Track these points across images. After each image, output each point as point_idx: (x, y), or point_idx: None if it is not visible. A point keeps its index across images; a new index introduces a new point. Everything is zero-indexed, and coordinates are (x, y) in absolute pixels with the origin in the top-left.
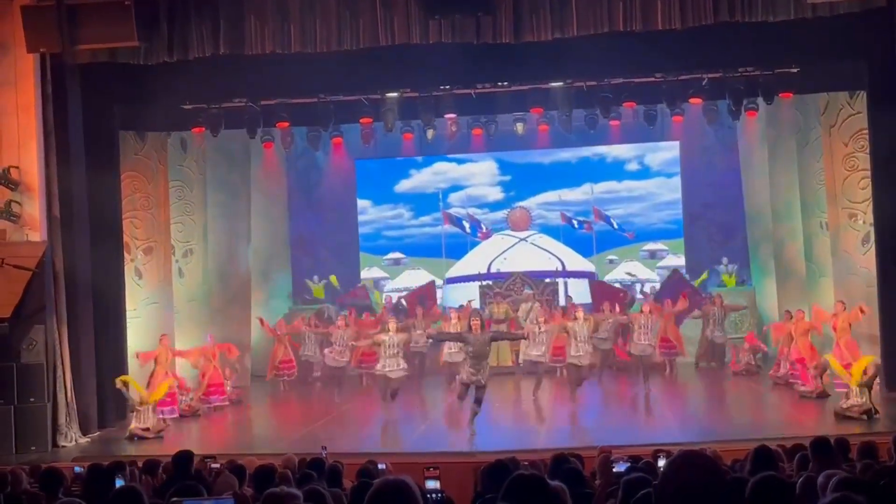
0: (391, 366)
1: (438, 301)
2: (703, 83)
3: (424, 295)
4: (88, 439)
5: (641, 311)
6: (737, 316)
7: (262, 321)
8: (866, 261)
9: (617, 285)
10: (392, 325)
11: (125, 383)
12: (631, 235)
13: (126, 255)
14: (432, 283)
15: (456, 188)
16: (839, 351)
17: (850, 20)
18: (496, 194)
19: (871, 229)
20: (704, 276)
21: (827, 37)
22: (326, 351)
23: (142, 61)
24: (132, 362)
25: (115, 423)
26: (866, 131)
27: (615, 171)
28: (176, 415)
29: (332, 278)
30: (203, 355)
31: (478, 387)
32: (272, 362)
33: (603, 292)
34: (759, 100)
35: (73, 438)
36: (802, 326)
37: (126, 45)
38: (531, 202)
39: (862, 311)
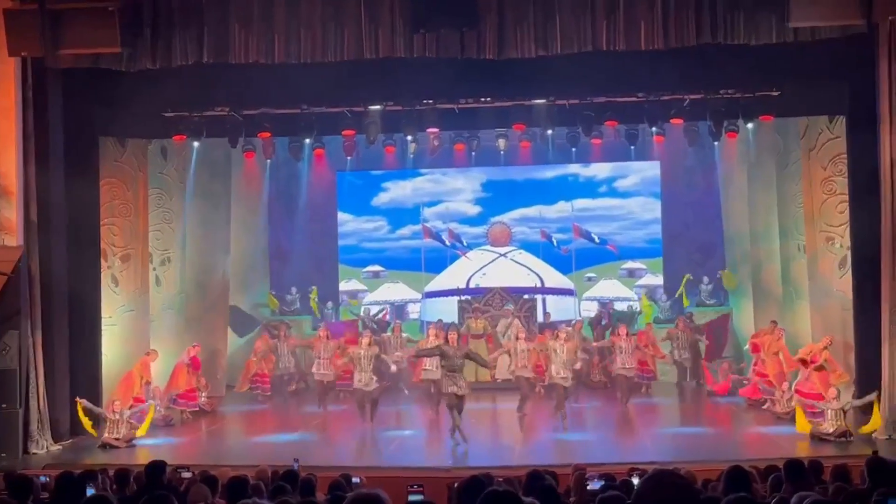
0: (366, 379)
1: (416, 315)
2: (685, 104)
3: None
4: (60, 447)
5: (618, 334)
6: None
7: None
8: (843, 284)
9: (594, 305)
10: (365, 340)
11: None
12: (614, 248)
13: (103, 261)
14: None
15: (437, 202)
16: (810, 383)
17: (831, 45)
18: (477, 209)
19: (849, 253)
20: (682, 285)
21: (808, 61)
22: (314, 367)
23: (124, 67)
24: (106, 370)
25: (87, 431)
26: (845, 156)
27: (595, 189)
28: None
29: (313, 295)
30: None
31: (457, 396)
32: (246, 374)
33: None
34: (740, 122)
35: (44, 446)
36: (774, 346)
37: (109, 51)
38: (511, 218)
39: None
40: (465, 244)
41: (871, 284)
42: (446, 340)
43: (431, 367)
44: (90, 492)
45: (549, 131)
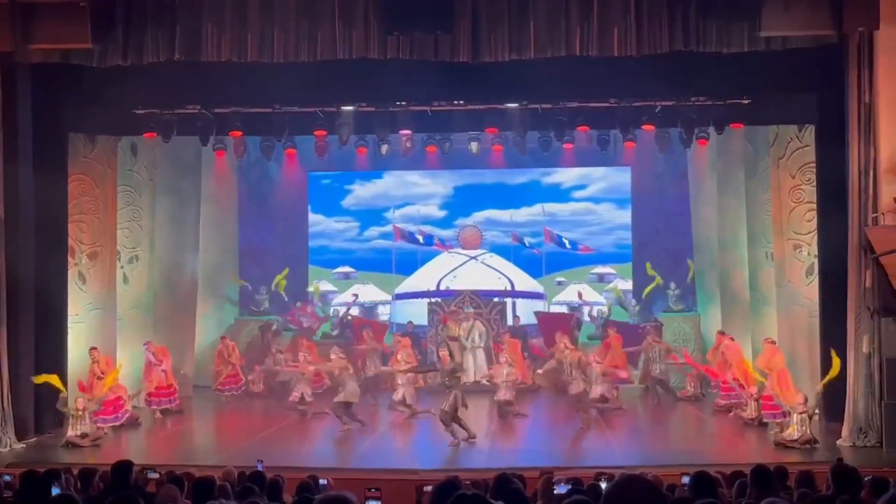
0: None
1: (387, 317)
2: (656, 110)
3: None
4: (24, 445)
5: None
6: (681, 343)
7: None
8: (810, 291)
9: (563, 309)
10: (339, 361)
11: (54, 387)
12: (589, 250)
13: (70, 258)
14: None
15: (408, 204)
16: (771, 384)
17: (802, 55)
18: (447, 212)
19: (816, 261)
20: (650, 287)
21: (779, 70)
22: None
23: (95, 63)
24: (71, 371)
25: (52, 429)
26: (813, 164)
27: (567, 193)
28: (118, 422)
29: (281, 282)
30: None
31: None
32: (216, 379)
33: (551, 323)
34: (711, 129)
35: (8, 444)
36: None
37: (80, 46)
38: (482, 221)
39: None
40: (436, 241)
41: (837, 292)
42: (438, 358)
43: (404, 382)
44: (55, 491)
45: (522, 135)
